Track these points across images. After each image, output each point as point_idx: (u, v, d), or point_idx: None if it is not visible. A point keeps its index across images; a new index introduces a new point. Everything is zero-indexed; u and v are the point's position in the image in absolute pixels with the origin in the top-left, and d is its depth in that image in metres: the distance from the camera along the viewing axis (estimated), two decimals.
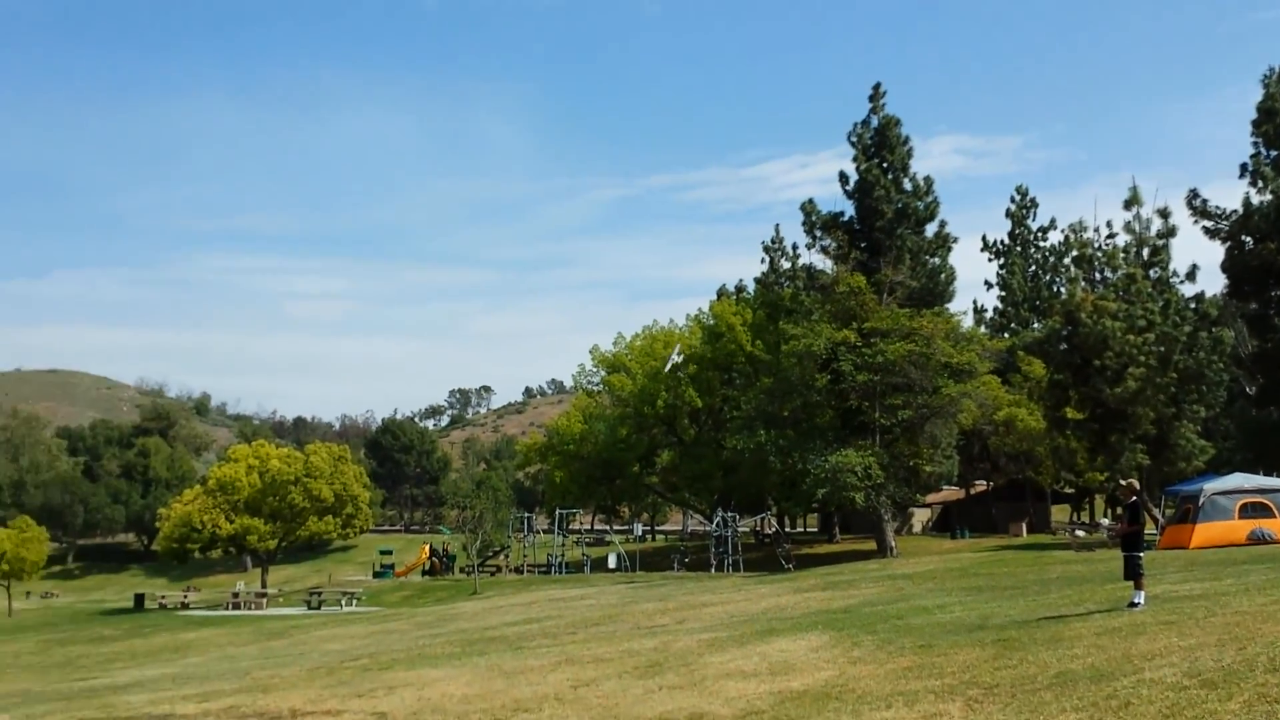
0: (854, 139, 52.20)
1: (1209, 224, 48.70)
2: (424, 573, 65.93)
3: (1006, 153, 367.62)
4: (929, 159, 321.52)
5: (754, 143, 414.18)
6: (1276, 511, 33.91)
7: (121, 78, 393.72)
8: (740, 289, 72.38)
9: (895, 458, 47.62)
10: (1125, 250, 48.76)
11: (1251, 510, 34.03)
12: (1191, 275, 47.95)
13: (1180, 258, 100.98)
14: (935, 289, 52.21)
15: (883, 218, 50.85)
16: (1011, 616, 16.69)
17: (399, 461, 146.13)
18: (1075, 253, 52.41)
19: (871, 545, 51.58)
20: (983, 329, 65.71)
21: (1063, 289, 65.15)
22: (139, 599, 63.98)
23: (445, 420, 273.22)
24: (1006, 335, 66.01)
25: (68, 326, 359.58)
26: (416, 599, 50.26)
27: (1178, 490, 38.96)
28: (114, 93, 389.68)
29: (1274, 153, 47.37)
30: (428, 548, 71.38)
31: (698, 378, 61.64)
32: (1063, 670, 11.13)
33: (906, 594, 23.98)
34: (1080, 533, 48.65)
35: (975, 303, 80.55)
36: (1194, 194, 49.13)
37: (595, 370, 69.26)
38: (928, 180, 52.23)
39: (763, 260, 70.94)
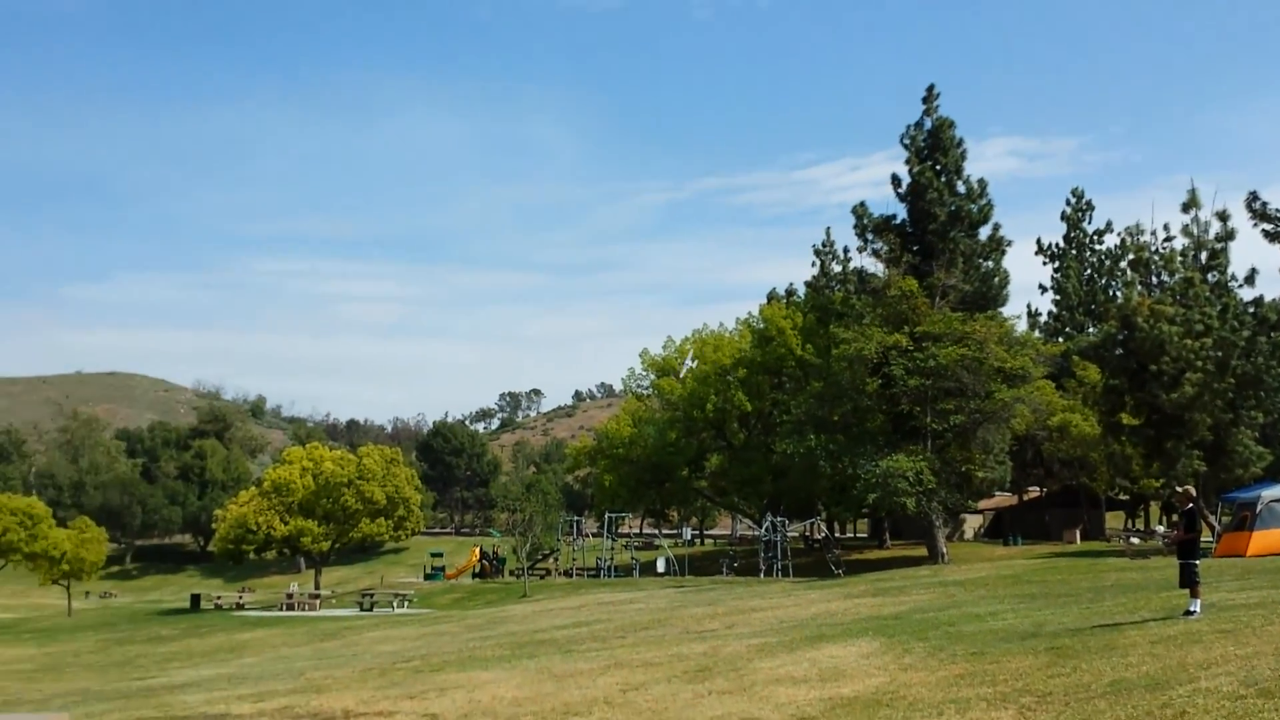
0: (907, 141, 51.88)
1: (1269, 227, 47.67)
2: (474, 575, 66.31)
3: (1062, 155, 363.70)
4: (983, 161, 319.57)
5: (805, 145, 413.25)
6: None
7: (179, 84, 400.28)
8: (790, 292, 72.15)
9: (947, 463, 47.21)
10: (1183, 254, 48.03)
11: None
12: (1250, 279, 47.05)
13: (1239, 261, 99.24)
14: (989, 293, 51.77)
15: (935, 221, 50.48)
16: (1065, 624, 16.52)
17: (450, 464, 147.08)
18: (1132, 256, 51.71)
19: (922, 551, 51.17)
20: (1037, 333, 65.03)
21: (1119, 293, 64.25)
22: (195, 599, 64.92)
23: (495, 423, 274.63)
24: (1061, 340, 65.22)
25: (126, 330, 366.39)
26: (467, 601, 50.56)
27: (1235, 497, 38.27)
28: (172, 98, 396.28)
29: None
30: (478, 550, 71.81)
31: (747, 382, 61.51)
32: (1117, 679, 11.01)
33: (958, 601, 23.79)
34: (1135, 540, 47.99)
35: (1029, 306, 79.86)
36: (1254, 196, 48.12)
37: (645, 374, 69.35)
38: (981, 183, 51.80)
39: (813, 263, 70.77)
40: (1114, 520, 71.80)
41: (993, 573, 33.90)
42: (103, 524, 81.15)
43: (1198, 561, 15.87)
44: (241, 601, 61.63)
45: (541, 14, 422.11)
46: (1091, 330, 63.90)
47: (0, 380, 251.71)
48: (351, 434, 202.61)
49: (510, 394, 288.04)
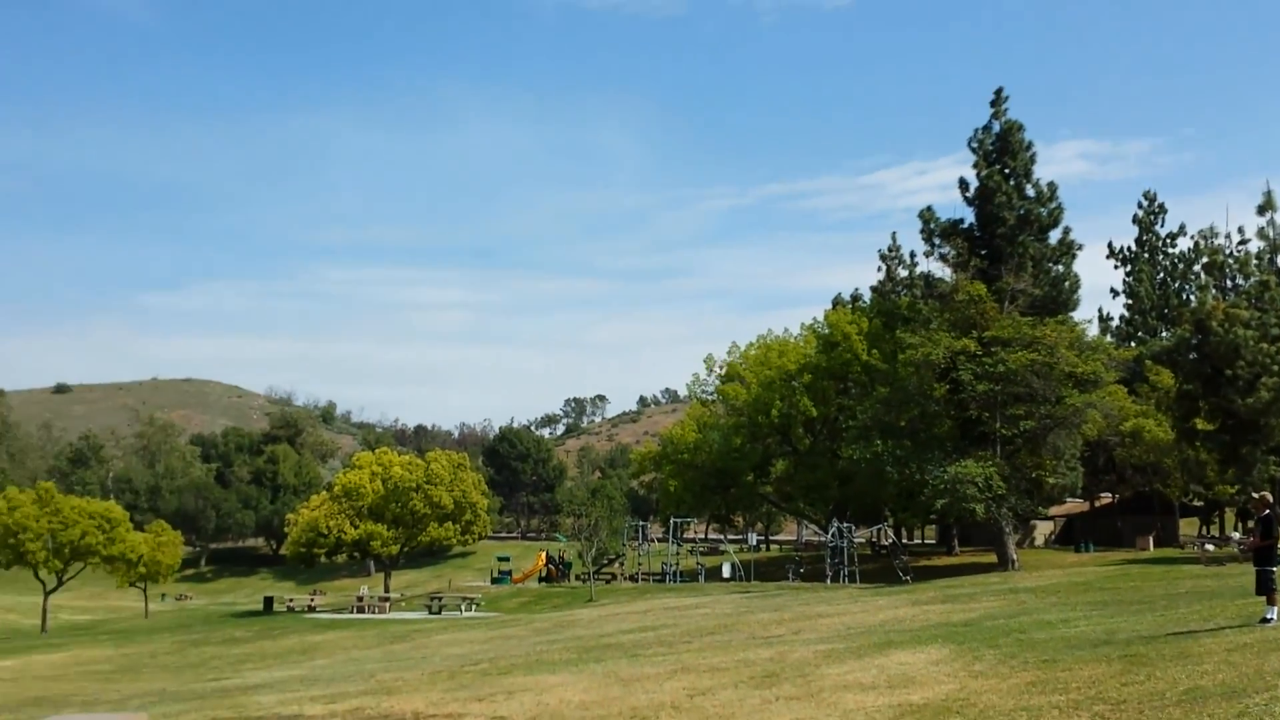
0: (975, 145, 51.51)
1: None
2: (540, 580, 66.67)
3: (1133, 157, 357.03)
4: (1052, 164, 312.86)
5: (870, 150, 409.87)
6: None
7: (254, 95, 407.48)
8: (856, 298, 71.76)
9: (1017, 469, 46.69)
10: (1258, 257, 47.17)
11: None
12: None
13: None
14: (1059, 297, 51.17)
15: (1004, 224, 50.00)
16: (1138, 631, 16.30)
17: (516, 469, 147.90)
18: (1206, 259, 50.89)
19: (991, 558, 50.62)
20: (1108, 338, 64.19)
21: (1192, 297, 63.39)
22: (268, 602, 65.94)
23: (561, 429, 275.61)
24: (1133, 344, 64.34)
25: (201, 337, 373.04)
26: (533, 605, 50.86)
27: None
28: (246, 110, 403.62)
29: None
30: (544, 555, 72.20)
31: (813, 387, 61.24)
32: (1192, 687, 10.87)
33: (1029, 608, 23.54)
34: (1210, 547, 47.11)
35: (1101, 311, 78.59)
36: None
37: (709, 379, 69.34)
38: (1051, 186, 51.27)
39: (879, 268, 70.41)
40: (1188, 527, 70.49)
41: (1064, 580, 33.46)
42: (178, 528, 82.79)
43: (1275, 568, 15.59)
44: (313, 604, 62.51)
45: (606, 21, 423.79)
46: (1165, 335, 62.94)
47: (79, 387, 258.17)
48: (419, 439, 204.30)
49: (575, 400, 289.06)
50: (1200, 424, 46.79)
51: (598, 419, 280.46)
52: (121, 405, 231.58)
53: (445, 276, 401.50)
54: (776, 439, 64.90)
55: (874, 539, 63.20)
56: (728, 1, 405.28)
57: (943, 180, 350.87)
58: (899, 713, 11.64)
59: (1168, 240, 70.34)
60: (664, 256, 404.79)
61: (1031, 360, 44.78)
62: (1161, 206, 70.93)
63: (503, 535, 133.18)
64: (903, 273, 68.06)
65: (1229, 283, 48.53)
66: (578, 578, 62.51)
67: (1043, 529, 70.14)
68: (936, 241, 51.79)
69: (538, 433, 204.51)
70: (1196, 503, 66.65)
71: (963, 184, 51.86)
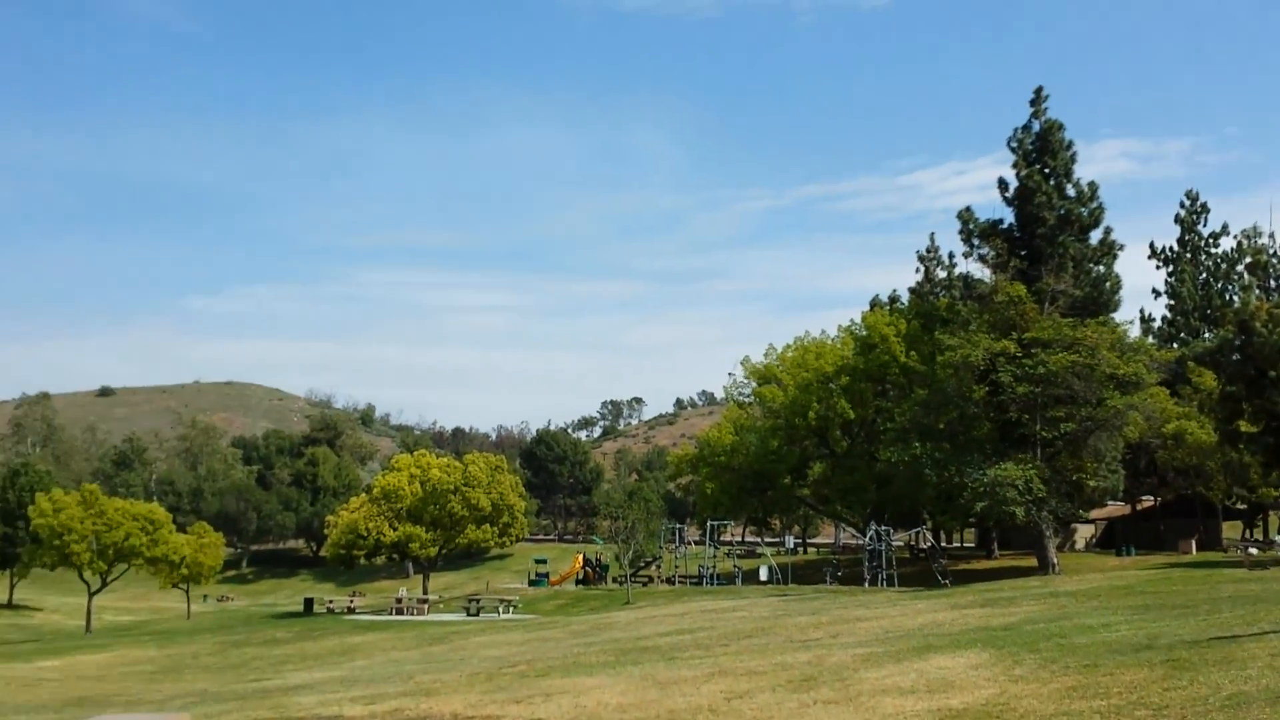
0: (1014, 145, 51.16)
1: None
2: (578, 582, 66.79)
3: (1175, 156, 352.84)
4: (1093, 164, 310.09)
5: (908, 151, 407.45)
6: None
7: (292, 100, 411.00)
8: (893, 299, 71.44)
9: (1057, 471, 46.30)
10: None
11: None
12: None
13: None
14: (1100, 298, 50.70)
15: (1044, 225, 49.62)
16: (1181, 636, 16.11)
17: (553, 472, 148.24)
18: (1249, 259, 50.37)
19: (1031, 562, 50.21)
20: (1150, 339, 63.56)
21: (1235, 297, 62.60)
22: (308, 603, 66.47)
23: (597, 431, 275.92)
24: (1176, 345, 63.66)
25: (242, 340, 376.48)
26: (571, 608, 50.98)
27: None
28: (285, 115, 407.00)
29: None
30: (581, 557, 72.32)
31: (850, 389, 61.03)
32: (1236, 692, 10.74)
33: (1069, 612, 23.32)
34: (1253, 550, 46.45)
35: (1142, 312, 77.94)
36: None
37: (746, 381, 69.24)
38: (1092, 185, 50.82)
39: (917, 270, 70.06)
40: (1231, 530, 69.61)
41: (1105, 583, 33.12)
42: (220, 529, 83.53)
43: None
44: (352, 606, 62.93)
45: (642, 23, 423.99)
46: (1207, 335, 62.25)
47: (123, 390, 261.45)
48: (457, 442, 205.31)
49: (612, 402, 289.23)
50: (1244, 426, 46.25)
51: (634, 421, 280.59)
52: (164, 408, 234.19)
53: (482, 279, 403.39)
54: (814, 441, 64.72)
55: (912, 542, 62.92)
56: (763, 1, 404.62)
57: (981, 180, 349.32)
58: (938, 717, 11.58)
59: (1210, 240, 69.52)
60: (700, 258, 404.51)
61: (1072, 362, 44.39)
62: (1204, 206, 70.15)
63: (540, 537, 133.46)
64: (941, 274, 67.70)
65: (1272, 283, 47.95)
66: (615, 580, 62.58)
67: (1083, 532, 69.58)
68: (975, 242, 51.46)
69: (574, 435, 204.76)
70: (1240, 506, 65.90)
71: (1002, 184, 51.53)
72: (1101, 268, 51.07)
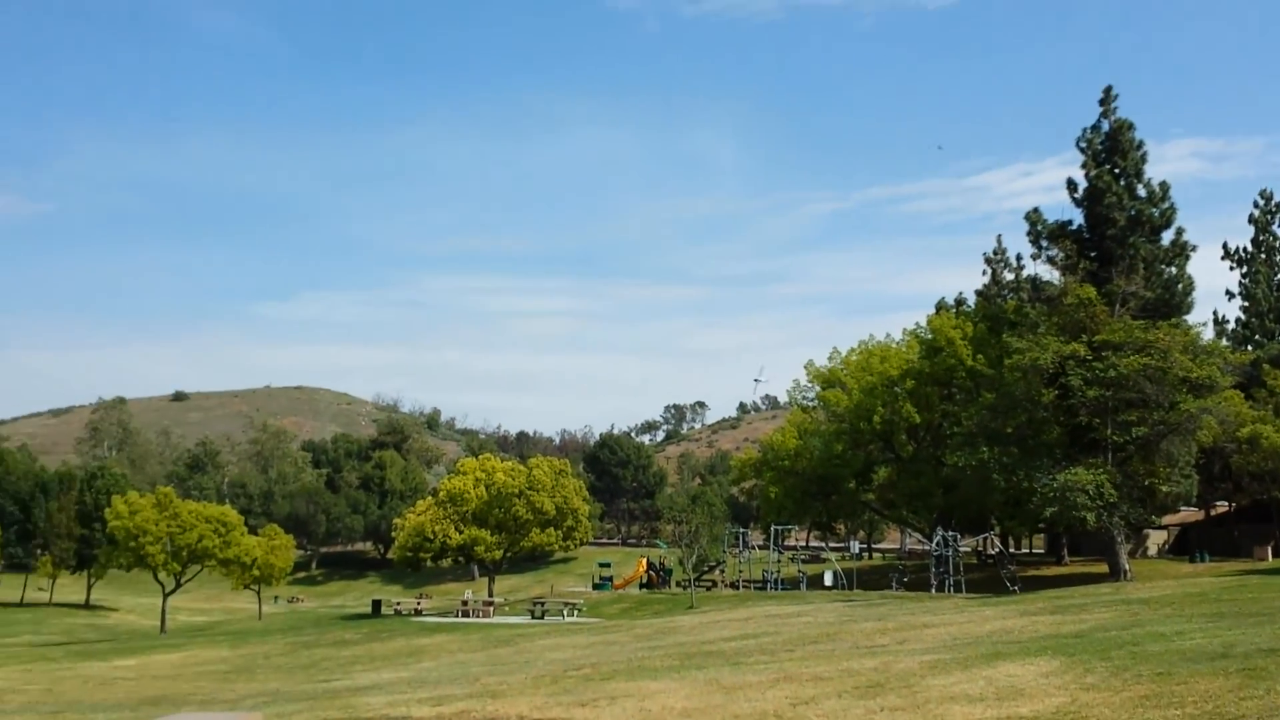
0: (1083, 145, 50.42)
1: None
2: (641, 586, 66.87)
3: (1248, 155, 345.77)
4: (1164, 164, 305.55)
5: (975, 152, 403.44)
6: None
7: (360, 109, 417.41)
8: (960, 302, 70.70)
9: (1129, 477, 45.49)
10: None
11: None
12: None
13: None
14: (1172, 300, 49.77)
15: (1114, 226, 48.83)
16: (1257, 644, 15.75)
17: (616, 476, 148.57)
18: None
19: (1102, 568, 49.37)
20: (1224, 341, 62.22)
21: None
22: (376, 605, 67.21)
23: (661, 435, 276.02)
24: (1250, 348, 62.30)
25: (311, 346, 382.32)
26: (634, 611, 51.01)
27: None
28: (353, 123, 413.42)
29: None
30: (645, 561, 72.39)
31: (915, 393, 60.48)
32: None
33: (1142, 619, 22.90)
34: None
35: (1216, 313, 76.35)
36: None
37: (810, 385, 68.88)
38: (1163, 185, 49.89)
39: (984, 272, 69.23)
40: None
41: (1179, 590, 32.47)
42: (290, 532, 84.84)
43: None
44: (419, 608, 63.47)
45: (705, 27, 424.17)
46: None
47: (196, 395, 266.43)
48: (521, 446, 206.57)
49: (675, 406, 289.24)
50: None
51: (697, 425, 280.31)
52: (236, 412, 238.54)
53: (547, 284, 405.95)
54: (879, 445, 64.23)
55: (980, 548, 62.24)
56: (827, 4, 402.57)
57: (1049, 182, 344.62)
58: None
59: None
60: (765, 262, 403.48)
61: (1144, 365, 43.60)
62: (1278, 206, 68.60)
63: (603, 541, 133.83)
64: (1008, 276, 66.82)
65: None
66: (678, 584, 62.57)
67: (1156, 538, 68.31)
68: (1044, 244, 50.76)
69: (638, 439, 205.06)
70: None
71: (1071, 185, 50.79)
72: (1173, 269, 50.15)
